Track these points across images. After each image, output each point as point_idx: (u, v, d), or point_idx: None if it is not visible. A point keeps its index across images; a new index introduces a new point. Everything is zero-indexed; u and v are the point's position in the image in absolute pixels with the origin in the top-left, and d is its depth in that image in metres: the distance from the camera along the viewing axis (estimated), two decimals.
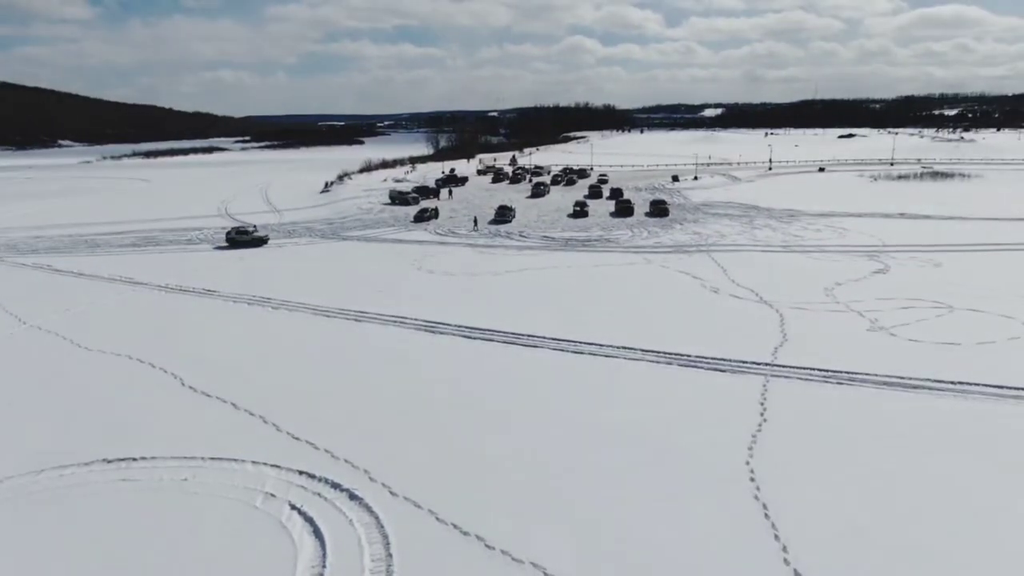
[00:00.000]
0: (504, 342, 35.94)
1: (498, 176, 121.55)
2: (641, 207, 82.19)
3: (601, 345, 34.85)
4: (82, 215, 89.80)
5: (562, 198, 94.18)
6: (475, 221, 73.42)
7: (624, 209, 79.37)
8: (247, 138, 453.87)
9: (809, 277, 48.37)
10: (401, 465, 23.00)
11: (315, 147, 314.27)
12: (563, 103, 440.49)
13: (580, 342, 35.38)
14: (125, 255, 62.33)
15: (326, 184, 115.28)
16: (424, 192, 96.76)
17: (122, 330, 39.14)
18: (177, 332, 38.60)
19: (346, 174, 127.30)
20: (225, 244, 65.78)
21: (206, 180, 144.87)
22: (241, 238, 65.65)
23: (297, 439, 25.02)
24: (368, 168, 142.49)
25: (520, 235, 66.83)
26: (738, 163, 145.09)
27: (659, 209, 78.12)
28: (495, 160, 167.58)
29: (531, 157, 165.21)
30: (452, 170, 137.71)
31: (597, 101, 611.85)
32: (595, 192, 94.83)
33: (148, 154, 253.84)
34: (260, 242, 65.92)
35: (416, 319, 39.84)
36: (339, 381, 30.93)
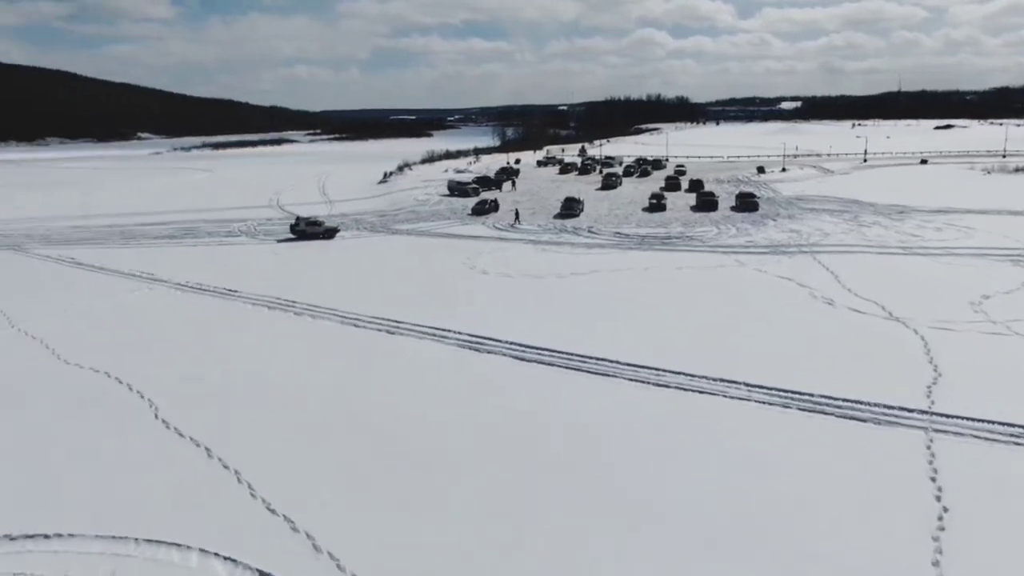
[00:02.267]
0: (565, 366, 28.45)
1: (566, 167, 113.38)
2: (725, 201, 73.22)
3: (691, 376, 26.97)
4: (129, 205, 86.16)
5: (635, 190, 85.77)
6: (516, 214, 65.85)
7: (707, 202, 70.59)
8: (318, 131, 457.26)
9: (945, 287, 39.22)
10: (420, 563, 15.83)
11: (384, 139, 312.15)
12: (633, 97, 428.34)
13: (663, 370, 27.57)
14: (156, 248, 57.31)
15: (385, 175, 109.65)
16: (485, 183, 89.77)
17: (114, 338, 33.26)
18: (174, 343, 32.45)
19: (406, 165, 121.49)
20: (291, 236, 60.23)
21: (267, 170, 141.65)
22: (311, 230, 59.96)
23: (273, 511, 18.12)
24: (430, 159, 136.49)
25: (589, 231, 59.04)
26: (828, 154, 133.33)
27: (747, 203, 69.07)
28: (563, 150, 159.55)
29: (601, 148, 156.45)
30: (517, 161, 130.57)
31: (668, 95, 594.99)
32: (673, 184, 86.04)
33: (217, 146, 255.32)
34: (330, 234, 60.29)
35: (460, 333, 32.67)
36: (345, 421, 24.00)
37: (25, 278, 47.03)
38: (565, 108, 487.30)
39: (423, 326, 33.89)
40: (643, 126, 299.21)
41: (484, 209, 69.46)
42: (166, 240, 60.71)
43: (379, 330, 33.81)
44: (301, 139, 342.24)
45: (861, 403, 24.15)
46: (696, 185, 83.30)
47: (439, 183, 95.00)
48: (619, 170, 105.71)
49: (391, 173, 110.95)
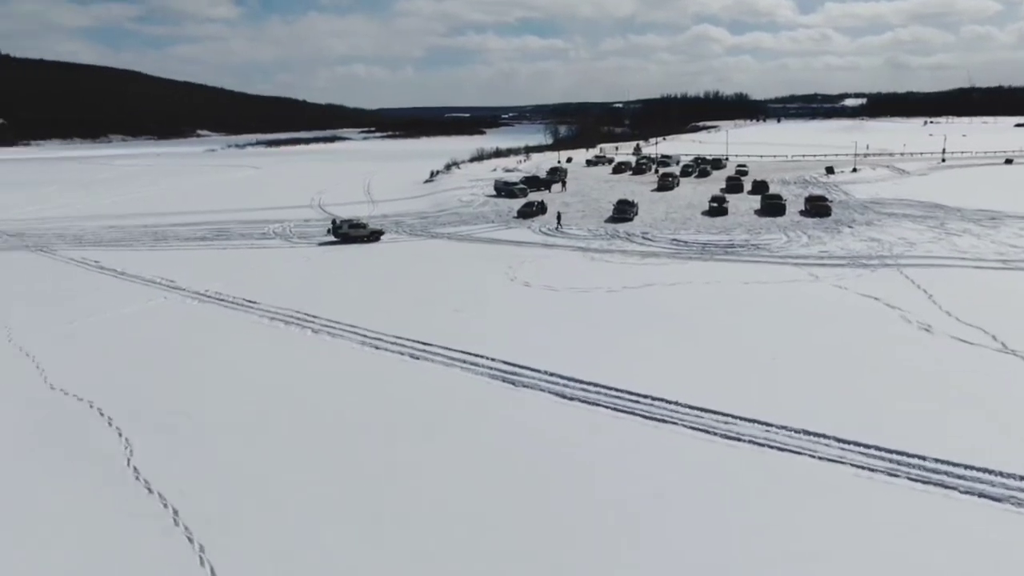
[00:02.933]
0: (613, 407, 23.95)
1: (619, 166, 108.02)
2: (793, 204, 67.40)
3: (768, 426, 22.20)
4: (170, 203, 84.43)
5: (694, 192, 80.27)
6: (558, 218, 61.15)
7: (773, 206, 64.87)
8: (372, 129, 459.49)
9: None
10: None
11: (437, 137, 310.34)
12: (690, 94, 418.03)
13: (732, 417, 22.87)
14: (185, 250, 54.56)
15: (431, 173, 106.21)
16: (534, 183, 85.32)
17: (111, 357, 29.96)
18: (171, 367, 28.94)
19: (454, 163, 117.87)
20: (333, 239, 56.69)
21: (314, 168, 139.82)
22: (355, 232, 56.48)
23: None
24: (480, 157, 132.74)
25: (644, 237, 54.16)
26: (902, 153, 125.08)
27: (818, 207, 63.15)
28: (617, 149, 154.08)
29: (657, 146, 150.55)
30: (568, 159, 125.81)
31: (725, 91, 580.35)
32: (734, 185, 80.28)
33: (271, 143, 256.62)
34: (374, 236, 56.88)
35: (493, 360, 28.41)
36: (341, 476, 19.96)
37: (40, 284, 44.51)
38: (620, 105, 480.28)
39: (452, 350, 29.72)
40: (700, 124, 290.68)
41: (531, 211, 65.05)
42: (197, 242, 57.97)
43: (402, 354, 29.77)
44: (354, 136, 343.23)
45: (992, 472, 19.08)
46: (760, 187, 77.45)
47: (486, 183, 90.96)
48: (676, 170, 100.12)
49: (438, 172, 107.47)
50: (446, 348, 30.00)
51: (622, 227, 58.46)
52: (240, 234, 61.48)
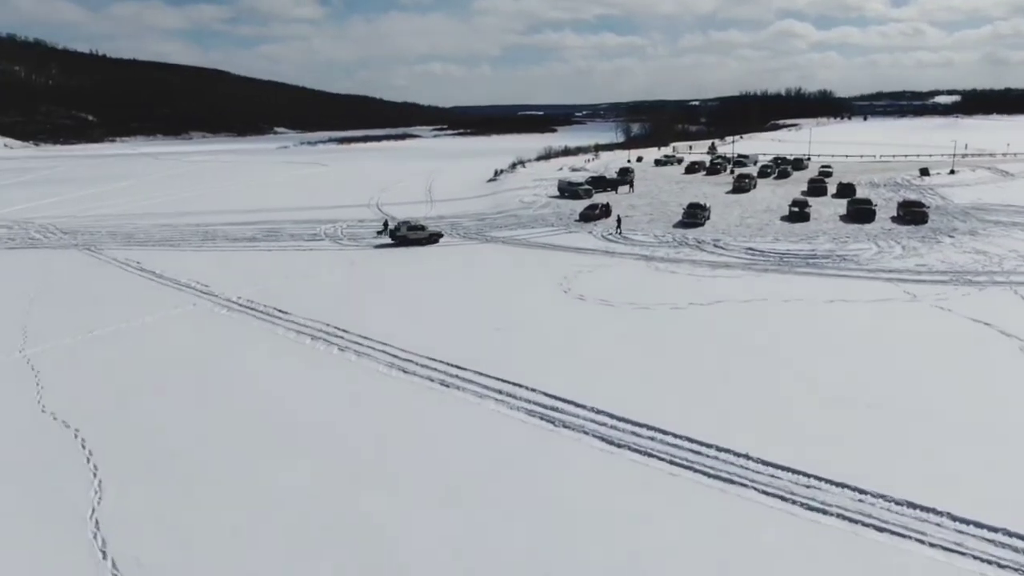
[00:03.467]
0: (671, 459, 19.94)
1: (692, 166, 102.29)
2: (883, 210, 61.27)
3: (862, 494, 17.83)
4: (228, 201, 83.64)
5: (773, 195, 74.56)
6: (618, 221, 56.74)
7: (861, 212, 58.91)
8: (444, 126, 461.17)
9: None
10: None
11: (508, 135, 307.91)
12: (771, 91, 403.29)
13: (818, 479, 18.55)
14: (230, 251, 52.67)
15: (495, 173, 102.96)
16: (600, 184, 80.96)
17: (116, 377, 27.52)
18: (177, 390, 26.23)
19: (520, 162, 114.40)
20: (390, 241, 54.22)
21: (380, 166, 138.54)
22: (414, 235, 53.68)
23: None
24: (547, 155, 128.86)
25: (715, 245, 49.44)
26: (1005, 154, 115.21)
27: (913, 212, 56.98)
28: (691, 147, 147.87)
29: (733, 145, 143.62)
30: (639, 159, 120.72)
31: (808, 88, 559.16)
32: (817, 188, 74.21)
33: (343, 140, 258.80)
34: (433, 239, 54.16)
35: (534, 391, 24.72)
36: (332, 547, 16.58)
37: (73, 285, 43.00)
38: (696, 103, 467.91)
39: (488, 377, 26.15)
40: (780, 122, 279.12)
41: (593, 215, 60.90)
42: (244, 243, 56.09)
43: (431, 379, 26.36)
44: (425, 134, 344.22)
45: None
46: (846, 190, 71.22)
47: (550, 183, 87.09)
48: (753, 170, 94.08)
49: (501, 171, 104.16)
50: (481, 375, 26.45)
51: (692, 233, 53.79)
52: (290, 235, 59.45)
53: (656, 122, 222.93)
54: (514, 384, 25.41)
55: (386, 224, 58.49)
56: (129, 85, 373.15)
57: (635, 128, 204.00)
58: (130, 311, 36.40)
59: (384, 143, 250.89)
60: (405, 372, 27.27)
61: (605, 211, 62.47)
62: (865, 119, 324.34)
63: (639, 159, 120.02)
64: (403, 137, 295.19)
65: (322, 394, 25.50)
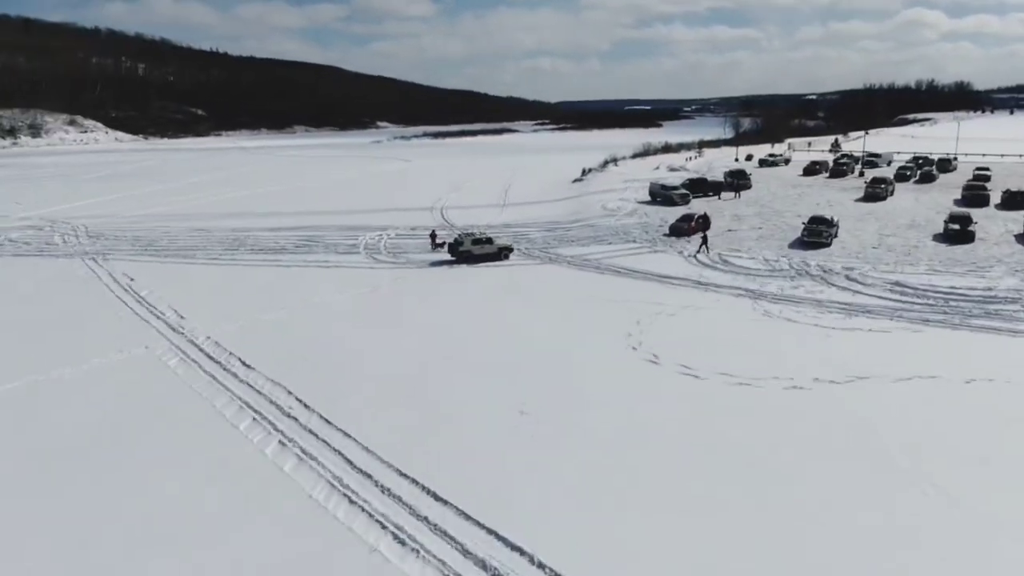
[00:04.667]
0: None
1: (813, 167, 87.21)
2: None
3: None
4: (282, 201, 76.38)
5: (916, 204, 60.41)
6: (703, 240, 44.94)
7: None
8: (546, 121, 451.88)
9: None
10: None
11: (610, 129, 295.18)
12: (897, 83, 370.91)
13: None
14: (244, 267, 44.37)
15: (583, 172, 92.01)
16: (699, 187, 68.74)
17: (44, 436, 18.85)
18: (24, 511, 17.23)
19: (613, 159, 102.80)
20: (449, 257, 44.47)
21: (465, 162, 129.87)
22: (480, 250, 43.69)
23: None
24: (644, 152, 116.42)
25: (848, 277, 37.06)
26: None
27: None
28: (809, 144, 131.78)
29: (859, 142, 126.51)
30: (748, 157, 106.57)
31: (943, 80, 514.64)
32: (976, 196, 59.44)
33: (438, 135, 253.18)
34: (503, 254, 44.41)
35: (542, 566, 14.22)
36: None
37: (33, 310, 35.40)
38: (813, 97, 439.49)
39: (474, 523, 15.85)
40: (910, 116, 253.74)
41: (686, 228, 49.10)
42: (268, 255, 47.81)
43: (383, 526, 16.23)
44: (524, 129, 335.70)
45: None
46: (1016, 200, 56.36)
47: (642, 184, 75.38)
48: (888, 173, 78.99)
49: (590, 170, 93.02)
50: (466, 518, 16.17)
51: (815, 257, 41.45)
52: (326, 244, 50.83)
53: (769, 117, 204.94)
54: (513, 547, 15.01)
55: (434, 236, 48.90)
56: (242, 81, 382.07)
57: (745, 123, 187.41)
58: (59, 355, 28.09)
59: (479, 138, 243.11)
60: (351, 503, 17.26)
61: (703, 223, 50.56)
62: (1011, 112, 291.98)
63: (748, 157, 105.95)
64: (500, 132, 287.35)
65: (193, 558, 15.82)
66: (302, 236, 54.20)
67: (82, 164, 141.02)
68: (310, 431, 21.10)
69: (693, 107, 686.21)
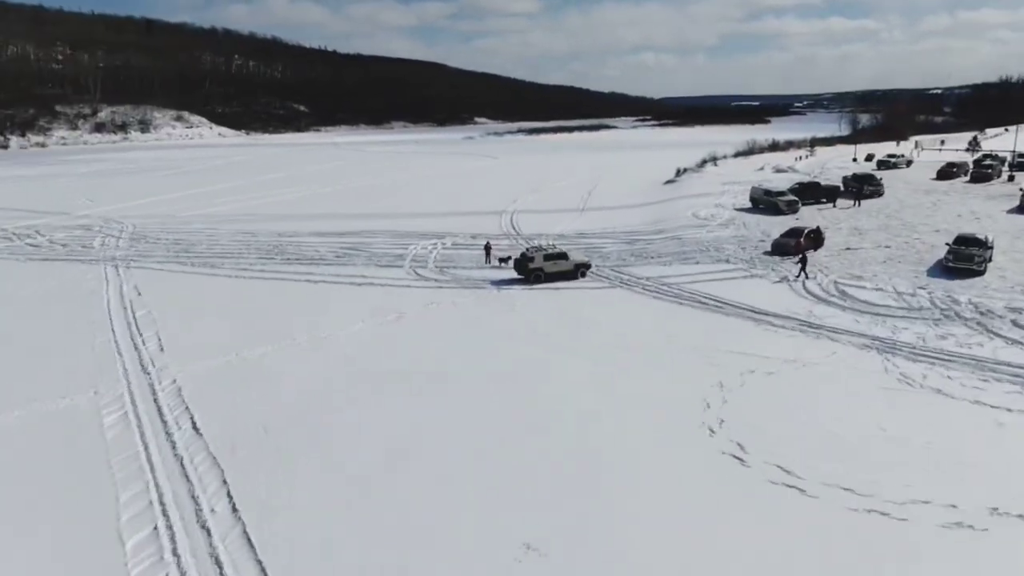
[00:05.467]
0: None
1: (949, 169, 74.43)
2: None
3: None
4: (343, 202, 71.39)
5: None
6: (802, 263, 35.66)
7: None
8: (647, 117, 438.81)
9: None
10: None
11: (714, 126, 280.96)
12: None
13: None
14: (268, 280, 38.72)
15: (677, 172, 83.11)
16: (811, 193, 59.01)
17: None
18: None
19: (712, 159, 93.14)
20: (519, 277, 37.43)
21: (554, 160, 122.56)
22: (553, 267, 36.71)
23: None
24: (748, 151, 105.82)
25: (1017, 324, 27.61)
26: None
27: None
28: (942, 143, 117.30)
29: (1015, 139, 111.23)
30: (868, 157, 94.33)
31: None
32: None
33: (532, 131, 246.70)
34: (580, 272, 37.35)
35: None
36: None
37: (10, 330, 30.61)
38: (939, 91, 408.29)
39: None
40: None
41: (790, 246, 39.96)
42: (305, 265, 42.18)
43: None
44: (622, 125, 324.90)
45: None
46: None
47: (742, 188, 66.16)
48: None
49: (685, 170, 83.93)
50: None
51: (966, 290, 31.96)
52: (370, 254, 44.84)
53: (891, 113, 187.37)
54: None
55: (488, 248, 42.02)
56: (345, 78, 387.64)
57: (863, 119, 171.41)
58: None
59: (575, 134, 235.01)
60: None
61: (815, 239, 41.57)
62: None
63: (869, 157, 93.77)
64: (597, 128, 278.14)
65: None
66: (347, 243, 48.50)
67: (173, 159, 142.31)
68: (216, 560, 14.53)
69: (804, 102, 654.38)
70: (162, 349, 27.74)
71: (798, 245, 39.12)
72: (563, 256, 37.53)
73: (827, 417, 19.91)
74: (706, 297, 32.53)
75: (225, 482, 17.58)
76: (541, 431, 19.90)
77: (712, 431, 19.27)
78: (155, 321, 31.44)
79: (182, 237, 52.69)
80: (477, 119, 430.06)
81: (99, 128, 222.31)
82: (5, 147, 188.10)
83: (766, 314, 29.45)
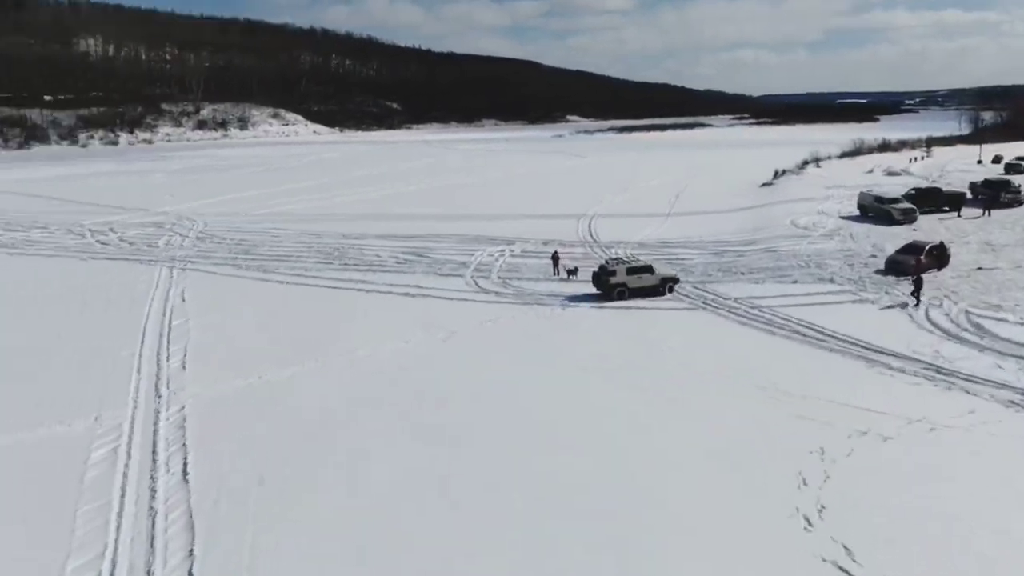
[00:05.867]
0: None
1: None
2: None
3: None
4: (423, 202, 68.89)
5: None
6: (915, 286, 29.98)
7: None
8: (744, 115, 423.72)
9: None
10: None
11: (817, 124, 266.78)
12: None
13: None
14: (317, 287, 36.14)
15: (775, 173, 76.81)
16: (931, 200, 52.28)
17: None
18: None
19: (814, 160, 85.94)
20: (597, 292, 33.34)
21: (642, 159, 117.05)
22: (636, 282, 32.42)
23: None
24: (855, 151, 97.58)
25: None
26: None
27: None
28: None
29: None
30: (995, 159, 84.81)
31: None
32: None
33: (624, 129, 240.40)
34: (666, 287, 33.02)
35: None
36: None
37: (45, 338, 28.87)
38: None
39: None
40: None
41: (909, 265, 34.06)
42: (360, 272, 39.44)
43: None
44: (718, 124, 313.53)
45: None
46: None
47: (849, 193, 59.74)
48: None
49: (784, 172, 77.45)
50: None
51: None
52: (432, 261, 41.78)
53: (1017, 110, 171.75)
54: None
55: (556, 258, 38.12)
56: (438, 76, 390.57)
57: (986, 117, 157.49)
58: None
59: (668, 133, 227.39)
60: None
61: (938, 255, 35.66)
62: None
63: (996, 159, 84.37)
64: (692, 127, 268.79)
65: None
66: (412, 248, 45.60)
67: (265, 156, 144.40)
68: None
69: (916, 99, 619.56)
70: (184, 367, 25.24)
71: (919, 264, 33.33)
72: (648, 269, 33.15)
73: (973, 523, 14.95)
74: (805, 325, 27.62)
75: (192, 553, 14.46)
76: (580, 503, 15.94)
77: (809, 524, 14.78)
78: (188, 332, 29.16)
79: (247, 237, 51.11)
80: (569, 117, 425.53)
81: (201, 125, 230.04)
82: (115, 143, 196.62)
83: (880, 352, 24.37)
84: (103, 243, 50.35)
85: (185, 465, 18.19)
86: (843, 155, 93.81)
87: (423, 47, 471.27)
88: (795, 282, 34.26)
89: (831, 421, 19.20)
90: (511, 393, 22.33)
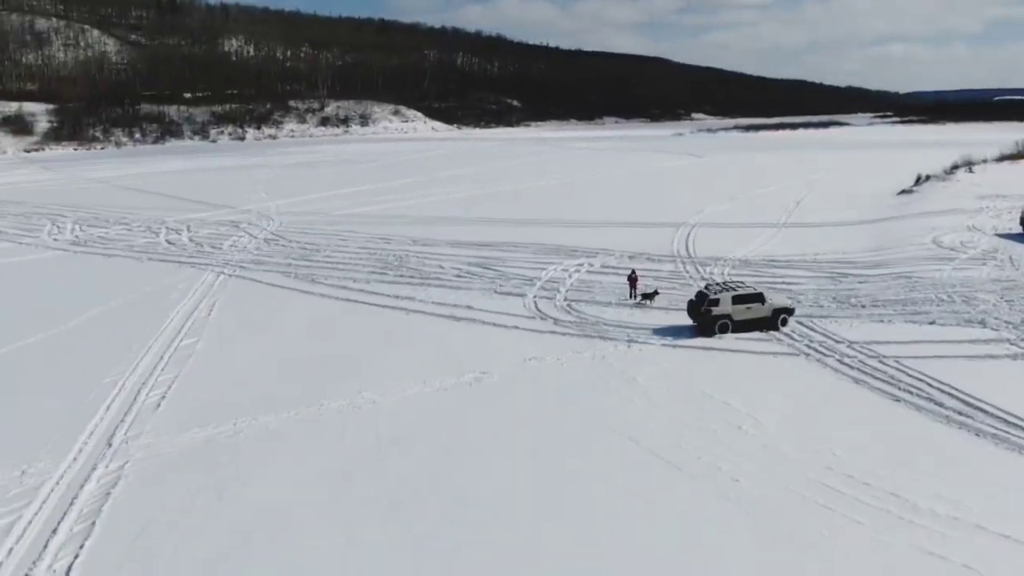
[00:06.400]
0: None
1: None
2: None
3: None
4: (511, 205, 64.02)
5: None
6: None
7: None
8: (888, 113, 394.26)
9: None
10: None
11: (971, 123, 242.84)
12: None
13: None
14: (368, 306, 32.03)
15: (917, 179, 66.92)
16: None
17: None
18: None
19: (966, 164, 74.73)
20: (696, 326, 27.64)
21: (766, 160, 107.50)
22: (742, 314, 26.76)
23: None
24: (1016, 155, 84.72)
25: None
26: None
27: None
28: None
29: None
30: None
31: None
32: None
33: (750, 127, 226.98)
34: (772, 320, 26.98)
35: None
36: None
37: (35, 360, 26.11)
38: None
39: None
40: None
41: None
42: (412, 287, 35.16)
43: None
44: (857, 122, 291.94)
45: None
46: None
47: (1010, 205, 50.09)
48: None
49: (927, 178, 67.34)
50: None
51: None
52: (495, 274, 36.95)
53: None
54: None
55: (633, 279, 32.29)
56: (562, 73, 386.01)
57: None
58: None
59: (799, 131, 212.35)
60: None
61: None
62: None
63: None
64: (826, 125, 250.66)
65: None
66: (479, 258, 40.96)
67: (375, 152, 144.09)
68: None
69: None
70: (159, 406, 21.49)
71: None
72: (759, 298, 26.85)
73: None
74: (943, 389, 20.68)
75: None
76: None
77: None
78: (190, 357, 25.61)
79: (314, 240, 48.08)
80: (694, 115, 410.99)
81: (324, 122, 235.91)
82: (242, 139, 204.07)
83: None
84: (171, 242, 48.68)
85: (78, 551, 14.10)
86: (1003, 158, 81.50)
87: (551, 44, 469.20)
88: (932, 323, 26.92)
89: (986, 558, 12.72)
90: (508, 504, 17.02)
